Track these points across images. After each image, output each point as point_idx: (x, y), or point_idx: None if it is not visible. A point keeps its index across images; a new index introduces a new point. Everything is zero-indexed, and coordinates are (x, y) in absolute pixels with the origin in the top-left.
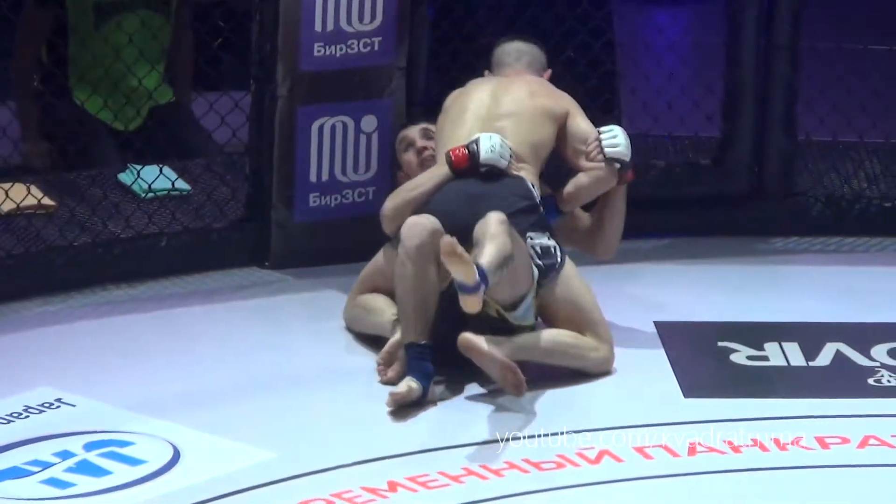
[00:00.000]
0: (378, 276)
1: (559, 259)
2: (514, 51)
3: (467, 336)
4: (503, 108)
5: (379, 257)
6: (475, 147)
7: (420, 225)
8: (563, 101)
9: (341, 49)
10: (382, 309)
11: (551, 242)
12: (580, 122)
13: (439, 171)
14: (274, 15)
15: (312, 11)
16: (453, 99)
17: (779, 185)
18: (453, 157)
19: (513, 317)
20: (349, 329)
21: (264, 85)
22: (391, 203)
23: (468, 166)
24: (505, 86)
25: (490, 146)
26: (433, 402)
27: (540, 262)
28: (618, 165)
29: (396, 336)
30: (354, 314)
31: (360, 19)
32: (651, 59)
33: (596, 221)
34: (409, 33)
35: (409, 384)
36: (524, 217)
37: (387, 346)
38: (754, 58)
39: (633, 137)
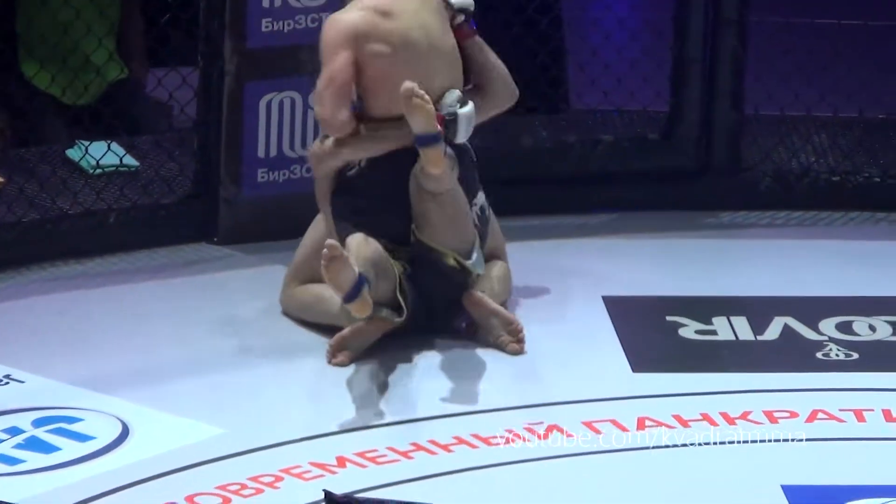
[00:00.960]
0: (316, 260)
1: (489, 212)
2: None
3: (474, 293)
4: (435, 45)
5: (313, 237)
6: (453, 130)
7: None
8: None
9: (289, 24)
10: (332, 297)
11: (484, 200)
12: (486, 54)
13: (407, 135)
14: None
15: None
16: (371, 33)
17: (727, 160)
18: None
19: (470, 265)
20: (289, 316)
21: (212, 61)
22: (348, 149)
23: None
24: (418, 12)
25: (466, 130)
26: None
27: (477, 223)
28: (462, 17)
29: (354, 325)
30: (300, 303)
31: None
32: (599, 34)
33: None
34: None
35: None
36: (475, 186)
37: (344, 331)
38: (702, 32)
39: (581, 113)
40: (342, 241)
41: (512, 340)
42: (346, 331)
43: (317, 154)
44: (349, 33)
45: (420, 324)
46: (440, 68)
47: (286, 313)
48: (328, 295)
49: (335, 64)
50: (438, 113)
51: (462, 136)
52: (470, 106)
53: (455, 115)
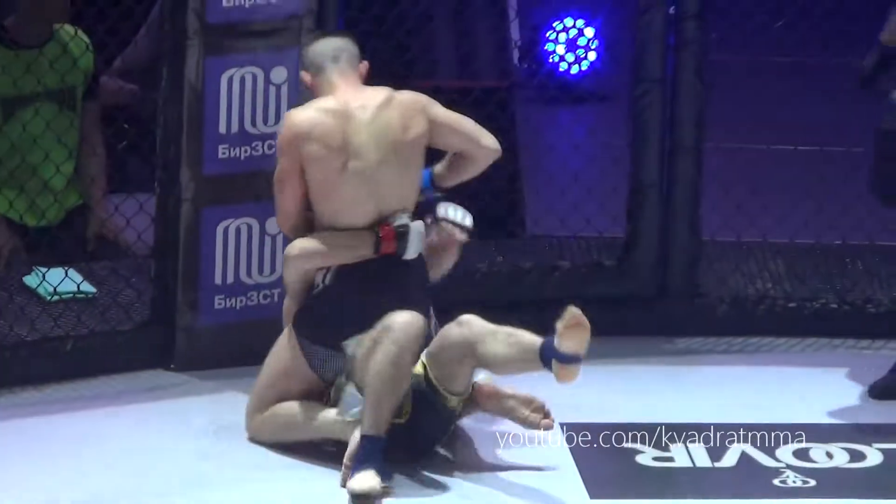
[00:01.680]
0: (285, 380)
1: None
2: (332, 49)
3: (484, 385)
4: (388, 149)
5: (276, 362)
6: (404, 245)
7: (420, 325)
8: (420, 116)
9: (245, 151)
10: (317, 412)
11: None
12: (439, 112)
13: (360, 246)
14: (178, 118)
15: (216, 114)
16: (320, 137)
17: (684, 286)
18: (383, 246)
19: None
20: (259, 442)
21: (169, 188)
22: (305, 250)
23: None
24: (372, 120)
25: (416, 247)
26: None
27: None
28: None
29: (356, 435)
30: (278, 424)
31: (265, 121)
32: (556, 159)
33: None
34: None
35: (374, 481)
36: (426, 303)
37: (352, 448)
38: (658, 158)
39: (538, 238)
40: (306, 357)
41: (542, 417)
42: (353, 447)
43: (287, 255)
44: (293, 135)
45: (398, 457)
46: (389, 178)
47: (255, 440)
48: (313, 411)
49: (281, 165)
50: (388, 226)
51: (412, 252)
52: (419, 223)
53: (407, 227)
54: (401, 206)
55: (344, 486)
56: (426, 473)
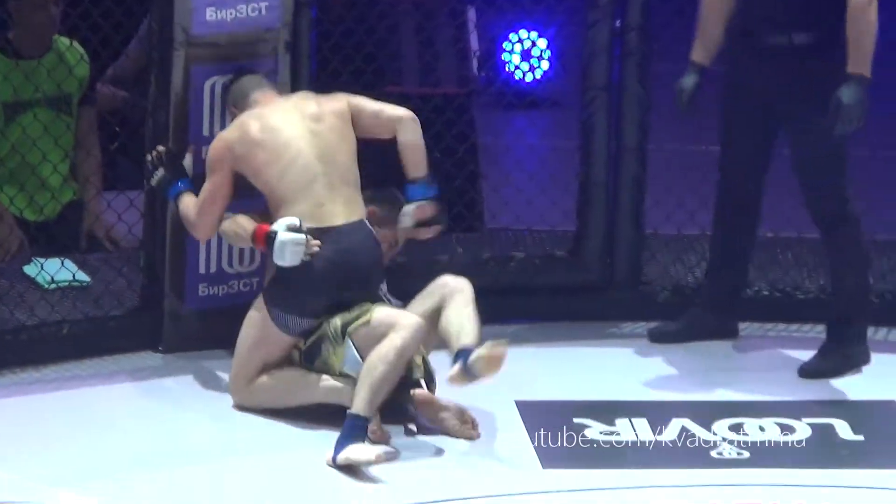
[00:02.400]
0: (264, 348)
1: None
2: (254, 80)
3: (422, 392)
4: (320, 154)
5: (255, 330)
6: (270, 249)
7: (423, 327)
8: (340, 103)
9: None
10: (314, 377)
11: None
12: (362, 104)
13: (244, 237)
14: (165, 122)
15: (200, 118)
16: (262, 140)
17: (629, 275)
18: (256, 244)
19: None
20: (247, 409)
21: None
22: (209, 221)
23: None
24: (293, 107)
25: (290, 258)
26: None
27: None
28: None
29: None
30: (271, 393)
31: None
32: (512, 160)
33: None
34: None
35: (371, 451)
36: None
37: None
38: (606, 158)
39: (496, 231)
40: (279, 326)
41: (469, 428)
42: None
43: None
44: (223, 147)
45: None
46: (323, 150)
47: (243, 407)
48: (309, 376)
49: (213, 181)
50: (265, 226)
51: (285, 261)
52: (294, 235)
53: (274, 235)
54: (342, 173)
55: (334, 462)
56: (381, 446)
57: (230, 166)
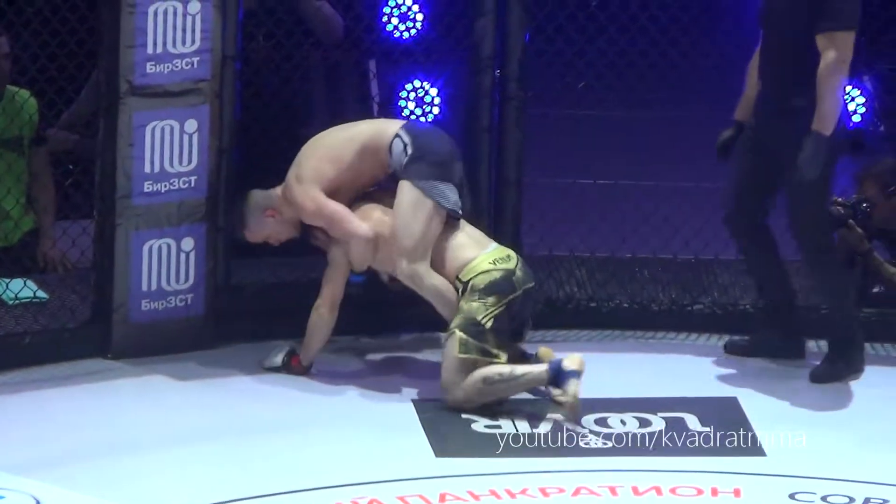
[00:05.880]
0: (431, 222)
1: None
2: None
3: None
4: None
5: (419, 210)
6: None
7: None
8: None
9: (165, 186)
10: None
11: None
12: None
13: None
14: (112, 160)
15: (143, 157)
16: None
17: None
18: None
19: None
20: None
21: (106, 215)
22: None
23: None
24: None
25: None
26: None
27: None
28: None
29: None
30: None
31: (180, 162)
32: None
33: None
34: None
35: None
36: None
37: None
38: (488, 190)
39: None
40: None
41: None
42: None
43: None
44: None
45: None
46: None
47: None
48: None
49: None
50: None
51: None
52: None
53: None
54: None
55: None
56: (285, 438)
57: None
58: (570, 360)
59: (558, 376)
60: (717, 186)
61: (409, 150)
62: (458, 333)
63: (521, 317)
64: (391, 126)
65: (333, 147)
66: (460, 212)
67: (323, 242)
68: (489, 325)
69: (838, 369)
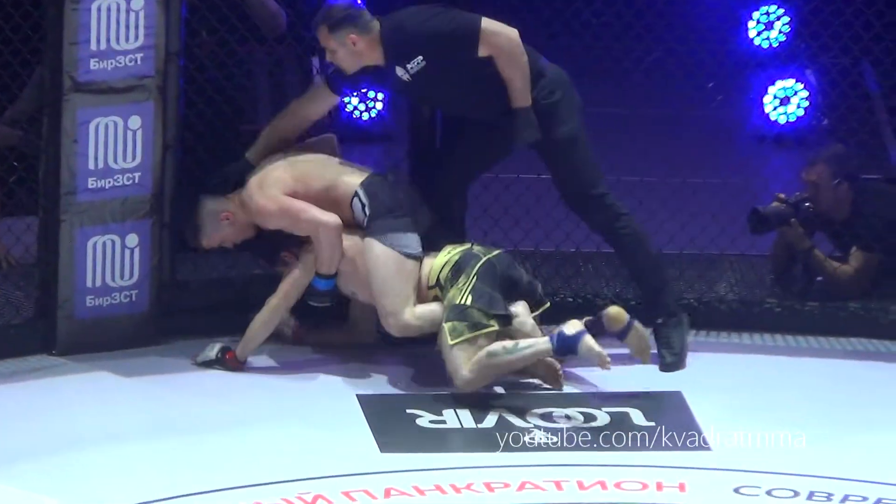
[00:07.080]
0: (404, 276)
1: None
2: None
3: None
4: None
5: (390, 265)
6: None
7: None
8: None
9: (109, 182)
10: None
11: None
12: None
13: None
14: (56, 157)
15: (87, 153)
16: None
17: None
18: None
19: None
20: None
21: (50, 212)
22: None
23: None
24: None
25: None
26: None
27: None
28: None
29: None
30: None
31: (124, 158)
32: None
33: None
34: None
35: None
36: None
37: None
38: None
39: None
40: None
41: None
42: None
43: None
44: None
45: None
46: None
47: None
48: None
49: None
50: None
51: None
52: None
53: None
54: None
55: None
56: (230, 434)
57: None
58: (569, 326)
59: (565, 344)
60: (666, 181)
61: (368, 211)
62: (445, 325)
63: (521, 284)
64: (354, 179)
65: (305, 173)
66: (423, 256)
67: (293, 264)
68: (468, 301)
69: (674, 337)
